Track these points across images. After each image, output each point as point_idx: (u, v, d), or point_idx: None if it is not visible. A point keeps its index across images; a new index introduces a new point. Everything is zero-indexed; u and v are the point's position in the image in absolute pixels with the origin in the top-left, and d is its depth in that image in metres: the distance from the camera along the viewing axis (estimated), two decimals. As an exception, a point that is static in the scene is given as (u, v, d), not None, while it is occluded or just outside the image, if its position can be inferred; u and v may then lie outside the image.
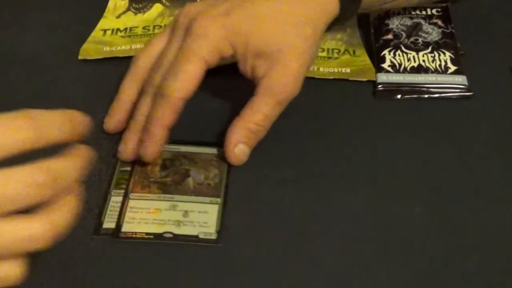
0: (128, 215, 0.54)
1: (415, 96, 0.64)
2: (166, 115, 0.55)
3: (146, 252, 0.52)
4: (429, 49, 0.68)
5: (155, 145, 0.56)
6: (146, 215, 0.54)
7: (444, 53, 0.67)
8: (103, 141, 0.60)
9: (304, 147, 0.60)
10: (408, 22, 0.70)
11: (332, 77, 0.66)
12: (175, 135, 0.58)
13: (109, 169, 0.57)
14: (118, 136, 0.60)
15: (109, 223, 0.53)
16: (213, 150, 0.58)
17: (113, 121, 0.60)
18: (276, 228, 0.53)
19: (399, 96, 0.64)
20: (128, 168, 0.57)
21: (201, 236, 0.52)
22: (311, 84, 0.61)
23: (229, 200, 0.55)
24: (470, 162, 0.58)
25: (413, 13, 0.71)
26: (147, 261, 0.51)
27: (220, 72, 0.58)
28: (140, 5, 0.74)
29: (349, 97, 0.61)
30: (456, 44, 0.68)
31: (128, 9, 0.74)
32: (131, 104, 0.59)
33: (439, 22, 0.70)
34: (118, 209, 0.54)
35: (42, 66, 0.68)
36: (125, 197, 0.55)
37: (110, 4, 0.75)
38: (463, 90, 0.64)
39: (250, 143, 0.57)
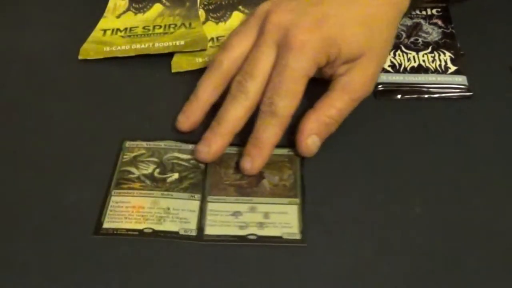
0: (209, 218, 0.54)
1: (415, 96, 0.64)
2: (277, 133, 0.57)
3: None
4: (429, 49, 0.68)
5: (263, 161, 0.57)
6: (226, 217, 0.54)
7: (444, 53, 0.67)
8: (103, 142, 0.60)
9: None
10: (408, 22, 0.71)
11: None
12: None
13: (109, 169, 0.57)
14: (118, 136, 0.60)
15: (109, 223, 0.53)
16: (284, 151, 0.59)
17: (189, 122, 0.60)
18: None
19: (399, 96, 0.64)
20: (132, 169, 0.57)
21: (285, 236, 0.53)
22: (310, 83, 0.61)
23: (306, 200, 0.55)
24: (470, 162, 0.58)
25: (413, 13, 0.71)
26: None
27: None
28: (140, 5, 0.74)
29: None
30: (456, 44, 0.68)
31: (128, 9, 0.74)
32: (209, 106, 0.60)
33: (439, 22, 0.70)
34: (118, 208, 0.54)
35: (42, 66, 0.69)
36: (203, 200, 0.55)
37: (110, 4, 0.75)
38: (463, 90, 0.64)
39: (321, 136, 0.58)
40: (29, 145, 0.60)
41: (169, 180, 0.57)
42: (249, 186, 0.56)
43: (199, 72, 0.66)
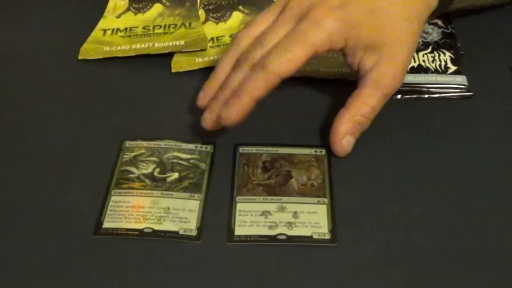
0: (238, 218, 0.54)
1: (415, 96, 0.64)
2: (259, 87, 0.55)
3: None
4: (429, 49, 0.68)
5: (239, 111, 0.55)
6: (256, 218, 0.54)
7: (444, 53, 0.67)
8: (103, 142, 0.60)
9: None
10: (408, 22, 0.70)
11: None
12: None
13: (109, 169, 0.57)
14: (118, 136, 0.60)
15: (109, 223, 0.53)
16: (310, 151, 0.59)
17: (206, 97, 0.59)
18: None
19: (399, 96, 0.64)
20: (132, 169, 0.57)
21: (315, 236, 0.52)
22: (312, 84, 0.61)
23: (335, 199, 0.55)
24: (470, 162, 0.58)
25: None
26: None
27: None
28: (140, 5, 0.74)
29: (348, 96, 0.61)
30: (456, 44, 0.68)
31: (128, 9, 0.74)
32: None
33: (439, 22, 0.70)
34: (118, 208, 0.54)
35: (42, 66, 0.69)
36: (231, 200, 0.55)
37: (110, 4, 0.75)
38: (463, 90, 0.64)
39: (356, 135, 0.58)
40: (29, 145, 0.60)
41: (169, 179, 0.57)
42: (277, 186, 0.56)
43: (199, 72, 0.67)
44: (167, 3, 0.74)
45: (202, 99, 0.59)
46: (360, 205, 0.55)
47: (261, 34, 0.58)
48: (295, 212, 0.54)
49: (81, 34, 0.71)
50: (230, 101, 0.56)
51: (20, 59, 0.69)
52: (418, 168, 0.58)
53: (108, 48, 0.69)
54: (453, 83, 0.64)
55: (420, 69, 0.66)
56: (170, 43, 0.69)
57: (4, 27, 0.73)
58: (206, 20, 0.73)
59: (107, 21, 0.73)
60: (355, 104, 0.58)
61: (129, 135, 0.60)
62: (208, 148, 0.59)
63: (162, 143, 0.60)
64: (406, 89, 0.64)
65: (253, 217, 0.54)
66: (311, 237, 0.52)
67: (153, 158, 0.58)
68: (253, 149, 0.59)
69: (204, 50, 0.69)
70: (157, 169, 0.58)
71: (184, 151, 0.59)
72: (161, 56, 0.68)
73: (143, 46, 0.69)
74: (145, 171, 0.57)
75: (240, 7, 0.74)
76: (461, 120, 0.62)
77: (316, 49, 0.55)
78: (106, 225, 0.53)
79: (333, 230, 0.53)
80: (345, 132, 0.57)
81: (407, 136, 0.61)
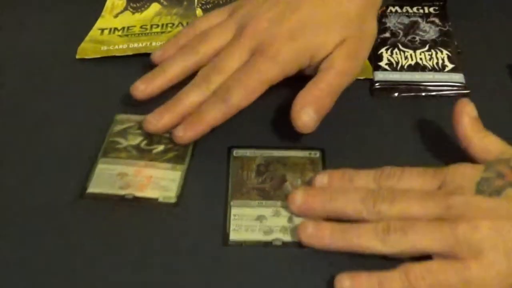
0: (234, 222, 0.53)
1: (412, 94, 0.64)
2: (218, 117, 0.58)
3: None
4: (426, 47, 0.68)
5: (192, 135, 0.58)
6: (251, 222, 0.53)
7: (441, 51, 0.67)
8: (103, 142, 0.60)
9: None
10: (405, 20, 0.71)
11: None
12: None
13: (99, 138, 0.59)
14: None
15: (93, 188, 0.55)
16: (305, 154, 0.58)
17: (147, 91, 0.62)
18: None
19: (396, 94, 0.64)
20: (121, 140, 0.59)
21: None
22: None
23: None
24: (468, 160, 0.58)
25: (411, 11, 0.72)
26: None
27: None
28: (138, 5, 0.74)
29: (346, 95, 0.61)
30: (453, 42, 0.68)
31: (125, 9, 0.74)
32: (169, 87, 0.63)
33: (436, 21, 0.71)
34: (104, 175, 0.56)
35: (40, 65, 0.69)
36: (226, 205, 0.55)
37: (108, 4, 0.75)
38: (460, 88, 0.64)
39: (316, 109, 0.58)
40: (27, 144, 0.60)
41: (154, 151, 0.58)
42: (272, 190, 0.56)
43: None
44: (165, 3, 0.75)
45: (141, 91, 0.62)
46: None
47: (217, 56, 0.61)
48: (290, 217, 0.54)
49: (79, 34, 0.71)
50: (187, 124, 0.58)
51: (18, 58, 0.69)
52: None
53: (105, 48, 0.69)
54: (451, 81, 0.65)
55: (417, 67, 0.66)
56: (168, 42, 0.69)
57: (3, 26, 0.73)
58: (125, 9, 0.73)
59: (105, 21, 0.73)
60: (311, 82, 0.59)
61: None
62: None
63: None
64: (404, 87, 0.64)
65: (248, 222, 0.53)
66: None
67: (142, 131, 0.60)
68: (247, 152, 0.59)
69: None
70: (144, 141, 0.59)
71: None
72: (158, 55, 0.68)
73: (140, 45, 0.69)
74: (132, 143, 0.59)
75: None
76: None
77: (272, 82, 0.59)
78: (90, 190, 0.55)
79: None
80: (303, 104, 0.57)
81: (405, 134, 0.61)
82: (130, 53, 0.68)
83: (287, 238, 0.52)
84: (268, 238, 0.52)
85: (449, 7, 0.72)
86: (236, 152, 0.59)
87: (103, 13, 0.74)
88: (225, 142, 0.60)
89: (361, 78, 0.65)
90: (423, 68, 0.65)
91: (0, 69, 0.69)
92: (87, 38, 0.70)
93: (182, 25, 0.72)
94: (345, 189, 0.53)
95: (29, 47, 0.71)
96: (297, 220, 0.53)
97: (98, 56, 0.68)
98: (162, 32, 0.71)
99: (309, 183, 0.55)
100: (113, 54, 0.68)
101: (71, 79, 0.67)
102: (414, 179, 0.52)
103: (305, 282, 0.50)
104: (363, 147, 0.59)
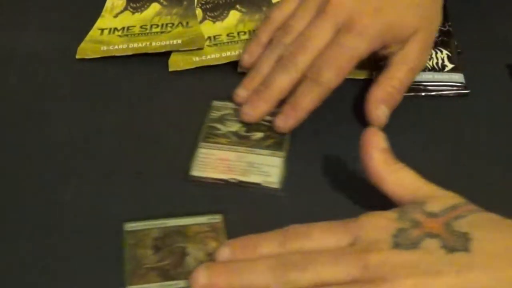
0: None
1: (412, 94, 0.64)
2: (314, 100, 0.59)
3: None
4: (426, 47, 0.68)
5: (294, 122, 0.59)
6: None
7: (441, 51, 0.67)
8: (102, 141, 0.60)
9: (301, 146, 0.60)
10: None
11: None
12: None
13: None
14: (116, 135, 0.60)
15: (197, 171, 0.57)
16: (203, 220, 0.53)
17: (246, 93, 0.62)
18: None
19: (396, 94, 0.64)
20: (219, 126, 0.60)
21: None
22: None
23: None
24: (467, 160, 0.59)
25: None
26: None
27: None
28: (138, 4, 0.74)
29: (345, 94, 0.61)
30: (453, 42, 0.68)
31: (125, 9, 0.74)
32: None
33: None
34: (206, 160, 0.57)
35: (40, 66, 0.69)
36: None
37: (108, 4, 0.75)
38: (460, 88, 0.64)
39: (389, 105, 0.60)
40: (27, 144, 0.60)
41: (253, 138, 0.59)
42: (172, 268, 0.49)
43: (197, 71, 0.67)
44: (165, 3, 0.74)
45: (242, 97, 0.62)
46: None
47: (302, 36, 0.61)
48: None
49: (78, 34, 0.71)
50: (285, 112, 0.59)
51: (18, 58, 0.69)
52: (414, 166, 0.58)
53: (105, 48, 0.69)
54: (450, 81, 0.65)
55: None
56: (168, 42, 0.69)
57: (2, 26, 0.73)
58: (203, 19, 0.73)
59: (104, 21, 0.73)
60: (384, 78, 0.61)
61: (125, 135, 0.60)
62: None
63: None
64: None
65: None
66: None
67: (239, 118, 0.61)
68: (141, 225, 0.52)
69: (201, 49, 0.69)
70: (243, 128, 0.60)
71: (269, 114, 0.61)
72: (158, 55, 0.68)
73: (140, 45, 0.69)
74: (231, 129, 0.60)
75: (238, 6, 0.74)
76: (458, 118, 0.62)
77: (360, 59, 0.60)
78: (194, 173, 0.56)
79: None
80: (378, 100, 0.60)
81: (404, 134, 0.61)
82: (130, 53, 0.68)
83: None
84: None
85: (449, 7, 0.72)
86: (129, 227, 0.52)
87: (103, 13, 0.74)
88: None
89: (361, 78, 0.65)
90: (423, 68, 0.65)
91: (0, 69, 0.69)
92: (87, 38, 0.70)
93: (182, 25, 0.72)
94: (251, 262, 0.47)
95: (29, 47, 0.71)
96: None
97: (98, 56, 0.68)
98: (162, 32, 0.71)
99: (212, 255, 0.49)
100: (113, 54, 0.68)
101: (71, 79, 0.67)
102: (325, 236, 0.47)
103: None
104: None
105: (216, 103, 0.62)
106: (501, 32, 0.68)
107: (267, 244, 0.47)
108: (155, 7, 0.74)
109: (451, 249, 0.43)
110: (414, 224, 0.46)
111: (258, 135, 0.60)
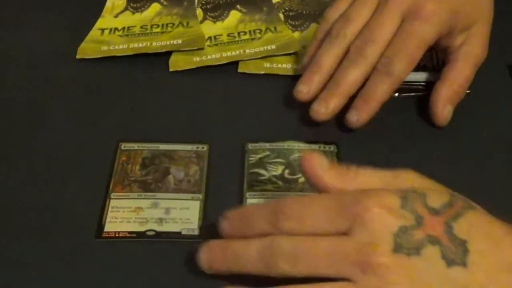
0: (110, 215, 0.54)
1: (413, 94, 0.64)
2: (387, 92, 0.59)
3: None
4: (427, 47, 0.68)
5: (367, 115, 0.59)
6: (128, 214, 0.54)
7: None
8: (101, 141, 0.60)
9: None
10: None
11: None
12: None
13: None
14: (115, 135, 0.60)
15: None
16: (192, 147, 0.59)
17: (311, 91, 0.60)
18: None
19: (396, 94, 0.64)
20: (261, 171, 0.57)
21: (184, 232, 0.53)
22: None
23: (209, 196, 0.55)
24: (467, 160, 0.59)
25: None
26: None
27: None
28: (138, 5, 0.74)
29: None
30: (453, 42, 0.68)
31: (126, 9, 0.74)
32: (330, 77, 0.61)
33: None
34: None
35: (40, 66, 0.69)
36: (106, 197, 0.55)
37: (108, 4, 0.75)
38: (460, 88, 0.64)
39: (454, 103, 0.61)
40: (27, 144, 0.60)
41: (300, 180, 0.56)
42: (154, 182, 0.56)
43: (197, 71, 0.67)
44: (165, 3, 0.74)
45: (307, 93, 0.60)
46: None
47: (367, 26, 0.59)
48: (167, 209, 0.54)
49: (79, 34, 0.71)
50: (357, 106, 0.59)
51: (18, 58, 0.69)
52: (414, 166, 0.58)
53: (106, 48, 0.69)
54: (451, 81, 0.65)
55: (417, 67, 0.65)
56: (168, 42, 0.69)
57: (2, 26, 0.73)
58: (204, 19, 0.73)
59: (105, 21, 0.73)
60: (451, 76, 0.61)
61: (125, 135, 0.60)
62: (332, 148, 0.59)
63: (285, 144, 0.59)
64: (404, 87, 0.64)
65: (125, 214, 0.54)
66: (180, 233, 0.53)
67: (280, 160, 0.58)
68: (135, 146, 0.59)
69: (202, 49, 0.69)
70: (286, 170, 0.57)
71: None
72: (158, 55, 0.68)
73: (140, 45, 0.69)
74: (274, 173, 0.57)
75: (238, 6, 0.74)
76: (458, 118, 0.62)
77: (429, 45, 0.59)
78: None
79: (203, 226, 0.53)
80: (446, 101, 0.60)
81: (405, 134, 0.61)
82: (130, 53, 0.68)
83: (161, 228, 0.53)
84: (142, 228, 0.53)
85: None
86: (124, 146, 0.59)
87: (103, 13, 0.74)
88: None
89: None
90: (423, 68, 0.65)
91: (0, 69, 0.69)
92: (87, 38, 0.70)
93: (182, 25, 0.72)
94: (242, 245, 0.47)
95: (29, 47, 0.71)
96: (174, 212, 0.54)
97: (98, 56, 0.68)
98: (162, 32, 0.71)
99: (192, 176, 0.56)
100: (113, 54, 0.68)
101: (71, 79, 0.67)
102: (318, 217, 0.45)
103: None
104: (362, 147, 0.60)
105: (251, 145, 0.59)
106: (501, 32, 0.68)
107: (258, 219, 0.47)
108: (155, 7, 0.74)
109: (450, 262, 0.42)
110: (416, 222, 0.44)
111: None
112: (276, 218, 0.46)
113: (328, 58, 0.60)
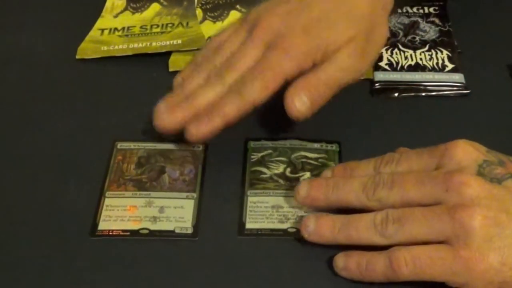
0: (105, 213, 0.54)
1: (413, 94, 0.64)
2: (233, 112, 0.56)
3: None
4: (426, 47, 0.67)
5: (207, 131, 0.56)
6: (122, 212, 0.54)
7: (441, 51, 0.67)
8: (101, 141, 0.60)
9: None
10: (405, 20, 0.71)
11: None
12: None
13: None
14: (115, 135, 0.60)
15: (251, 223, 0.54)
16: (187, 147, 0.59)
17: (177, 121, 0.58)
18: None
19: (396, 94, 0.64)
20: (263, 169, 0.58)
21: (177, 231, 0.53)
22: None
23: (204, 195, 0.56)
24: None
25: (410, 11, 0.72)
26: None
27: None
28: (138, 5, 0.74)
29: (346, 95, 0.61)
30: (453, 42, 0.68)
31: (125, 9, 0.74)
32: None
33: (437, 21, 0.70)
34: (257, 209, 0.55)
35: (40, 66, 0.69)
36: (101, 195, 0.55)
37: (108, 4, 0.75)
38: (460, 88, 0.64)
39: (310, 96, 0.57)
40: (27, 144, 0.60)
41: (302, 179, 0.56)
42: (149, 181, 0.56)
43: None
44: (165, 3, 0.74)
45: (161, 112, 0.58)
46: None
47: (231, 56, 0.59)
48: (162, 207, 0.54)
49: (79, 34, 0.71)
50: (201, 119, 0.56)
51: (18, 58, 0.69)
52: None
53: (105, 48, 0.69)
54: (451, 81, 0.64)
55: (417, 67, 0.66)
56: (168, 42, 0.69)
57: (2, 26, 0.73)
58: (204, 19, 0.73)
59: (104, 21, 0.73)
60: (310, 72, 0.58)
61: (122, 135, 0.60)
62: (334, 147, 0.59)
63: (287, 143, 0.60)
64: (404, 87, 0.64)
65: (119, 212, 0.54)
66: (173, 231, 0.53)
67: (282, 158, 0.58)
68: (131, 145, 0.59)
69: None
70: (288, 169, 0.58)
71: (311, 151, 0.59)
72: (158, 55, 0.68)
73: (140, 45, 0.69)
74: (276, 171, 0.57)
75: (238, 6, 0.74)
76: (458, 118, 0.62)
77: (287, 76, 0.57)
78: (248, 225, 0.54)
79: (196, 224, 0.53)
80: (297, 91, 0.57)
81: (404, 134, 0.61)
82: (130, 53, 0.68)
83: (155, 227, 0.53)
84: (136, 227, 0.53)
85: (449, 7, 0.72)
86: (120, 145, 0.59)
87: (103, 13, 0.74)
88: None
89: (361, 78, 0.65)
90: (423, 68, 0.65)
91: (0, 69, 0.69)
92: (87, 38, 0.70)
93: (182, 25, 0.72)
94: (346, 179, 0.53)
95: (28, 47, 0.71)
96: (168, 211, 0.54)
97: (98, 56, 0.68)
98: (162, 32, 0.71)
99: (187, 175, 0.57)
100: (113, 54, 0.68)
101: (71, 79, 0.67)
102: (413, 160, 0.53)
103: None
104: (362, 148, 0.59)
105: (253, 144, 0.60)
106: (501, 32, 0.68)
107: (364, 167, 0.54)
108: (155, 7, 0.74)
109: None
110: (500, 162, 0.50)
111: (306, 175, 0.57)
112: (379, 164, 0.53)
113: (194, 84, 0.59)
